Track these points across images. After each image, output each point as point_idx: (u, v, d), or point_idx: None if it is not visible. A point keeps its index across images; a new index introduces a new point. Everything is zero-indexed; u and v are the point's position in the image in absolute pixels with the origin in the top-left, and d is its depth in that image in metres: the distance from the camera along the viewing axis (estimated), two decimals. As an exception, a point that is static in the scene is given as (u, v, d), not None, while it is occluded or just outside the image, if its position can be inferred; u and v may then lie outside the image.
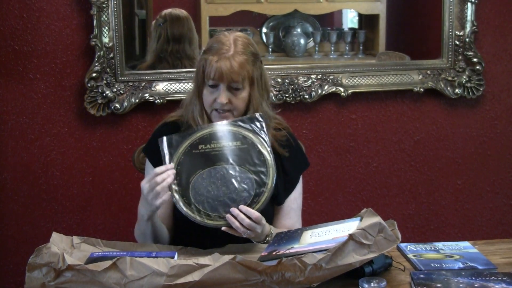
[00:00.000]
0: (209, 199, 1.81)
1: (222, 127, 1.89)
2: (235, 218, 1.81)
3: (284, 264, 1.58)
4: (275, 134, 2.05)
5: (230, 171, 1.83)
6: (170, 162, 1.84)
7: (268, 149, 1.87)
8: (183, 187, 1.82)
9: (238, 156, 1.85)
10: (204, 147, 1.85)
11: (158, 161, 1.91)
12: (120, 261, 1.57)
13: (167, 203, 1.94)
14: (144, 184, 1.81)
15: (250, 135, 1.88)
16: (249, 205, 1.81)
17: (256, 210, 1.81)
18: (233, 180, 1.82)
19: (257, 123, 1.90)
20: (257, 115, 1.92)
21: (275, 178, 1.84)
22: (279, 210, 2.09)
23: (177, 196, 1.82)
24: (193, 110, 2.01)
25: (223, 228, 1.83)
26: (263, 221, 1.86)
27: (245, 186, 1.82)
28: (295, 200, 2.12)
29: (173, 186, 1.82)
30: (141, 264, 1.57)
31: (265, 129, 1.89)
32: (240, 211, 1.81)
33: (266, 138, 1.88)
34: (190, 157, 1.84)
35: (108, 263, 1.58)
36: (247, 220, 1.81)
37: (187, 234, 2.03)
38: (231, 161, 1.84)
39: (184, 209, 1.82)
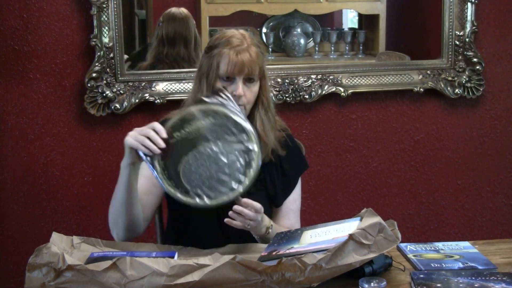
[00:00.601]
0: (204, 181, 1.78)
1: (190, 110, 1.84)
2: (238, 214, 1.81)
3: (284, 264, 1.58)
4: (276, 135, 2.05)
5: (214, 148, 1.80)
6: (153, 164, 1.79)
7: (241, 115, 1.82)
8: (174, 179, 1.78)
9: (215, 131, 1.81)
10: (179, 133, 1.80)
11: None
12: (120, 261, 1.57)
13: (148, 187, 1.94)
14: (136, 129, 1.78)
15: (220, 108, 1.83)
16: (244, 173, 1.78)
17: (252, 175, 1.78)
18: (220, 156, 1.79)
19: (222, 95, 1.86)
20: (219, 87, 1.89)
21: (258, 140, 1.81)
22: (278, 212, 2.09)
23: (172, 189, 1.78)
24: None
25: (225, 220, 1.83)
26: (262, 210, 1.86)
27: (233, 157, 1.79)
28: (294, 201, 2.12)
29: (165, 181, 1.77)
30: (141, 264, 1.57)
31: (232, 99, 1.85)
32: (241, 206, 1.81)
33: (236, 106, 1.84)
34: (170, 148, 1.79)
35: (108, 263, 1.58)
36: (251, 214, 1.82)
37: (187, 234, 2.04)
38: (210, 138, 1.80)
39: (184, 198, 1.77)
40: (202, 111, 1.82)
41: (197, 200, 1.77)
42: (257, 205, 1.83)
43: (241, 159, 1.79)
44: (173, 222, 2.11)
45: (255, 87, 1.96)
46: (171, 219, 2.12)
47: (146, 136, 1.74)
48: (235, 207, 1.82)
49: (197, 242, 1.92)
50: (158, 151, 1.73)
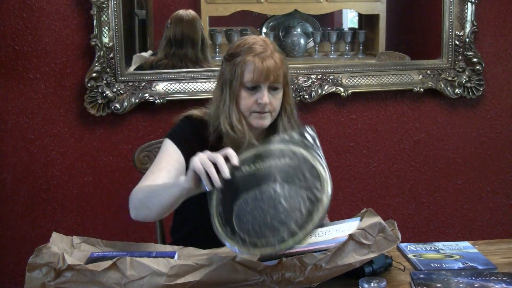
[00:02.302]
0: (255, 226, 1.54)
1: (267, 146, 1.66)
2: None
3: (284, 264, 1.58)
4: None
5: (278, 190, 1.57)
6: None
7: (323, 162, 1.61)
8: (226, 216, 1.58)
9: (286, 172, 1.60)
10: (248, 168, 1.62)
11: (186, 148, 1.91)
12: (120, 261, 1.57)
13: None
14: (207, 153, 1.60)
15: (301, 150, 1.64)
16: (302, 226, 1.52)
17: (310, 229, 1.52)
18: (282, 200, 1.56)
19: (308, 136, 1.66)
20: (308, 127, 1.69)
21: (331, 192, 1.56)
22: None
23: (219, 227, 1.58)
24: (230, 117, 1.94)
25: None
26: None
27: (295, 204, 1.54)
28: None
29: (216, 217, 1.59)
30: (141, 264, 1.57)
31: (318, 142, 1.66)
32: None
33: (320, 152, 1.64)
34: (232, 181, 1.59)
35: (108, 263, 1.58)
36: None
37: (187, 235, 2.04)
38: (278, 179, 1.58)
39: (227, 242, 1.56)
40: (279, 149, 1.64)
41: (242, 246, 1.55)
42: None
43: (303, 208, 1.54)
44: (180, 222, 2.09)
45: (280, 95, 1.95)
46: (179, 219, 2.11)
47: (214, 163, 1.56)
48: None
49: (197, 242, 1.91)
50: (219, 184, 1.55)
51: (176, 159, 1.93)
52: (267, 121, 1.95)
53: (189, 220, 2.04)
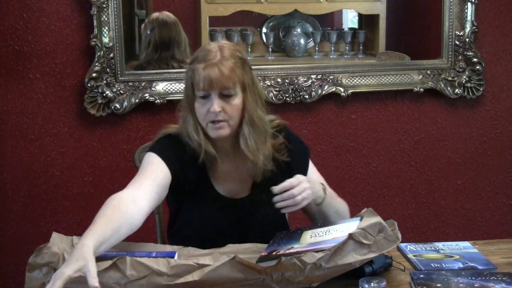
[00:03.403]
0: None
1: None
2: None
3: (283, 263, 1.58)
4: (273, 143, 1.99)
5: None
6: None
7: None
8: None
9: None
10: None
11: (171, 161, 1.90)
12: (120, 261, 1.57)
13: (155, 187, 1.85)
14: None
15: None
16: None
17: None
18: None
19: None
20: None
21: None
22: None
23: None
24: (187, 126, 1.93)
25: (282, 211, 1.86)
26: (301, 177, 1.85)
27: None
28: (312, 175, 2.08)
29: None
30: (141, 264, 1.57)
31: None
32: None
33: None
34: None
35: (108, 263, 1.58)
36: (295, 191, 1.81)
37: (185, 238, 2.03)
38: None
39: None
40: None
41: None
42: (290, 182, 1.82)
43: None
44: (178, 227, 2.09)
45: (235, 101, 1.87)
46: (174, 223, 2.10)
47: None
48: (277, 197, 1.80)
49: (197, 243, 1.91)
50: None
51: (161, 170, 1.89)
52: (224, 131, 1.88)
53: (187, 226, 2.03)
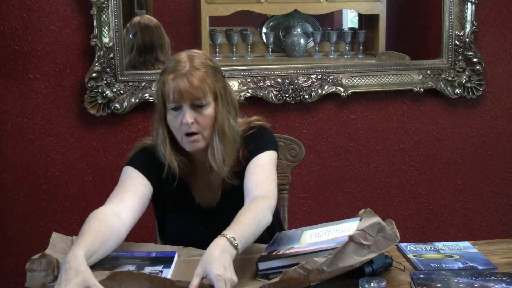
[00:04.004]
0: None
1: None
2: None
3: (288, 274, 1.57)
4: (242, 154, 1.94)
5: None
6: None
7: None
8: None
9: None
10: None
11: (150, 173, 1.89)
12: (116, 274, 1.56)
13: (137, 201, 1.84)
14: None
15: None
16: None
17: None
18: None
19: None
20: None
21: None
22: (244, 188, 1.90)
23: None
24: (157, 138, 1.90)
25: None
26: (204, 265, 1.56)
27: None
28: (257, 166, 1.91)
29: None
30: (136, 283, 1.55)
31: None
32: None
33: None
34: None
35: (105, 274, 1.56)
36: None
37: (186, 236, 2.03)
38: None
39: None
40: None
41: None
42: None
43: None
44: (167, 230, 2.08)
45: (207, 111, 1.84)
46: (162, 233, 2.10)
47: None
48: None
49: (197, 243, 1.91)
50: None
51: (140, 183, 1.87)
52: (199, 144, 1.86)
53: (172, 237, 2.02)
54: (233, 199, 1.92)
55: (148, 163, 1.92)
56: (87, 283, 1.49)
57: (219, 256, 1.55)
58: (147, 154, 1.94)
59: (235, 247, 1.61)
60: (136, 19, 2.94)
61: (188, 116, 1.82)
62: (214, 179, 1.98)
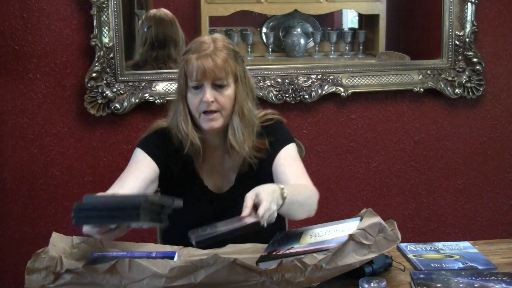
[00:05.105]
0: None
1: None
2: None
3: (284, 265, 1.58)
4: (257, 142, 1.98)
5: None
6: None
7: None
8: None
9: None
10: None
11: (156, 155, 1.94)
12: (119, 264, 1.57)
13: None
14: None
15: None
16: None
17: None
18: None
19: None
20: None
21: None
22: (277, 179, 1.96)
23: None
24: (177, 116, 1.94)
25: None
26: (259, 190, 1.68)
27: None
28: (287, 157, 1.98)
29: None
30: (140, 266, 1.57)
31: None
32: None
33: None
34: None
35: (107, 265, 1.57)
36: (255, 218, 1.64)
37: (192, 216, 2.02)
38: None
39: None
40: None
41: None
42: (250, 198, 1.66)
43: None
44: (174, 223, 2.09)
45: (228, 92, 1.90)
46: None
47: None
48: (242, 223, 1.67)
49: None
50: None
51: (146, 165, 1.94)
52: (217, 122, 1.91)
53: (176, 221, 2.03)
54: (247, 186, 1.90)
55: (158, 145, 1.98)
56: None
57: (271, 191, 1.67)
58: (160, 136, 2.00)
59: (284, 197, 1.70)
60: (152, 11, 2.92)
61: (209, 94, 1.87)
62: (228, 163, 2.01)
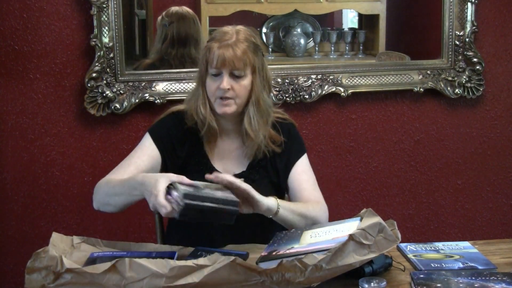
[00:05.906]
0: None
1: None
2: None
3: (284, 265, 1.58)
4: (271, 134, 2.08)
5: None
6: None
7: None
8: None
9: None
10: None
11: (162, 141, 2.01)
12: (119, 263, 1.57)
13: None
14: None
15: None
16: None
17: None
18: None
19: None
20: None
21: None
22: (292, 191, 2.10)
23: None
24: (197, 99, 2.03)
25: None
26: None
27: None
28: (302, 172, 2.11)
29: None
30: (140, 265, 1.57)
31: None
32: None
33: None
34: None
35: (107, 265, 1.57)
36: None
37: (187, 235, 2.03)
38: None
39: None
40: None
41: None
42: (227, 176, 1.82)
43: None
44: (176, 223, 2.10)
45: (244, 82, 1.98)
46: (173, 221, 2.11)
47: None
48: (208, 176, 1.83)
49: (197, 243, 1.91)
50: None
51: (149, 154, 2.02)
52: (230, 108, 1.98)
53: (181, 227, 2.04)
54: (258, 173, 2.05)
55: (167, 128, 2.06)
56: (172, 176, 1.71)
57: (264, 197, 1.85)
58: (172, 118, 2.09)
59: (276, 211, 1.88)
60: (174, 8, 2.90)
61: (226, 82, 1.95)
62: (241, 149, 2.07)
